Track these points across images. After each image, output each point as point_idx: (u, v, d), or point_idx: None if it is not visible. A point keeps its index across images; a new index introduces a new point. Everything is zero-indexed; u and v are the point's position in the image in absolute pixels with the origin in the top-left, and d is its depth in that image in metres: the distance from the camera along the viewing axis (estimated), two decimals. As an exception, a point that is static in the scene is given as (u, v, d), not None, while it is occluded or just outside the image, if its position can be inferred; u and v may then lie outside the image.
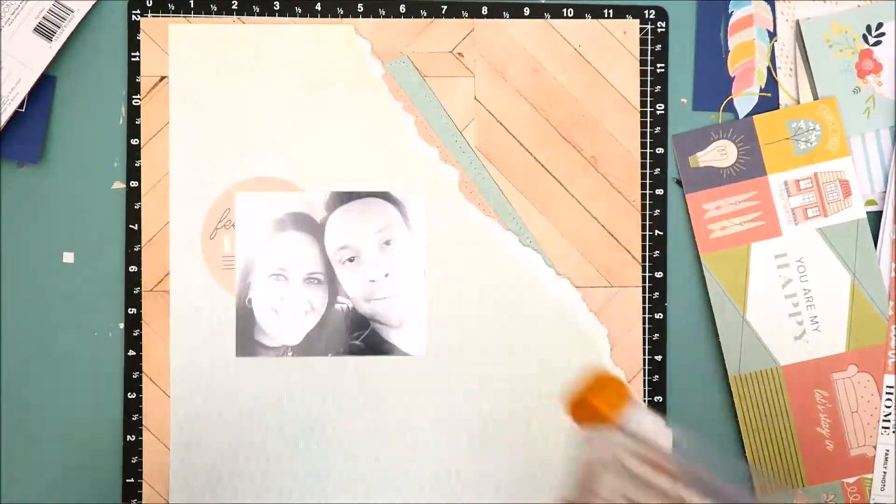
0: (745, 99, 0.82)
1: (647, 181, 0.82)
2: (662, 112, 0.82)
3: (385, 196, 0.80)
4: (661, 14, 0.82)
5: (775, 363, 0.81)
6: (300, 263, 0.80)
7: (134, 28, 0.80)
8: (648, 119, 0.82)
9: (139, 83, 0.80)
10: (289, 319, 0.80)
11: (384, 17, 0.81)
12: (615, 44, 0.82)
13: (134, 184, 0.80)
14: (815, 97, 0.82)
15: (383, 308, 0.80)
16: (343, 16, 0.81)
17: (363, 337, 0.80)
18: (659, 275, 0.82)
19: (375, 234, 0.80)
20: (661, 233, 0.82)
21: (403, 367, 0.80)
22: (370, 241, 0.80)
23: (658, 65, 0.82)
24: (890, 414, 0.81)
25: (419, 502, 0.80)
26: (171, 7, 0.80)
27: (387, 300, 0.80)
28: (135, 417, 0.80)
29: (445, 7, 0.81)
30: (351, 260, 0.80)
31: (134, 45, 0.80)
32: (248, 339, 0.80)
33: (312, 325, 0.80)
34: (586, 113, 0.82)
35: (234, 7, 0.80)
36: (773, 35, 0.82)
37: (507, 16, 0.81)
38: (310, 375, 0.80)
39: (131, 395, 0.80)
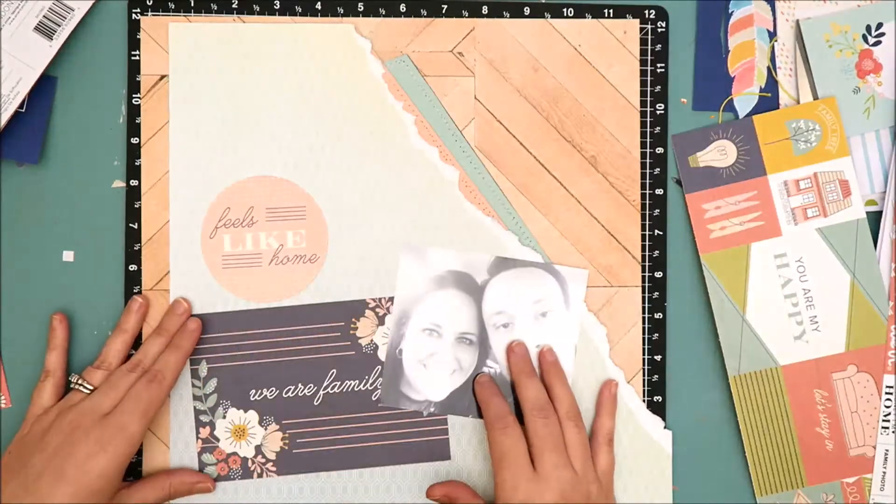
0: (745, 99, 0.82)
1: (647, 181, 0.82)
2: (662, 112, 0.82)
3: (548, 268, 0.80)
4: (661, 14, 0.82)
5: (775, 363, 0.81)
6: (455, 322, 0.80)
7: (134, 27, 0.80)
8: (648, 119, 0.82)
9: (139, 82, 0.80)
10: (436, 375, 0.80)
11: (384, 16, 0.81)
12: (615, 44, 0.82)
13: (134, 183, 0.80)
14: (815, 97, 0.82)
15: None
16: (343, 15, 0.81)
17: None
18: (659, 275, 0.82)
19: (533, 304, 0.80)
20: (661, 233, 0.82)
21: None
22: (527, 310, 0.80)
23: (658, 65, 0.82)
24: (889, 414, 0.81)
25: None
26: (172, 6, 0.80)
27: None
28: None
29: (445, 6, 0.81)
30: (505, 326, 0.80)
31: (134, 43, 0.80)
32: (393, 389, 0.80)
33: (458, 385, 0.80)
34: (586, 113, 0.82)
35: (234, 6, 0.80)
36: (773, 35, 0.82)
37: (508, 15, 0.81)
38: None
39: None
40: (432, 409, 0.80)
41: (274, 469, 0.80)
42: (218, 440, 0.80)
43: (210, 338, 0.80)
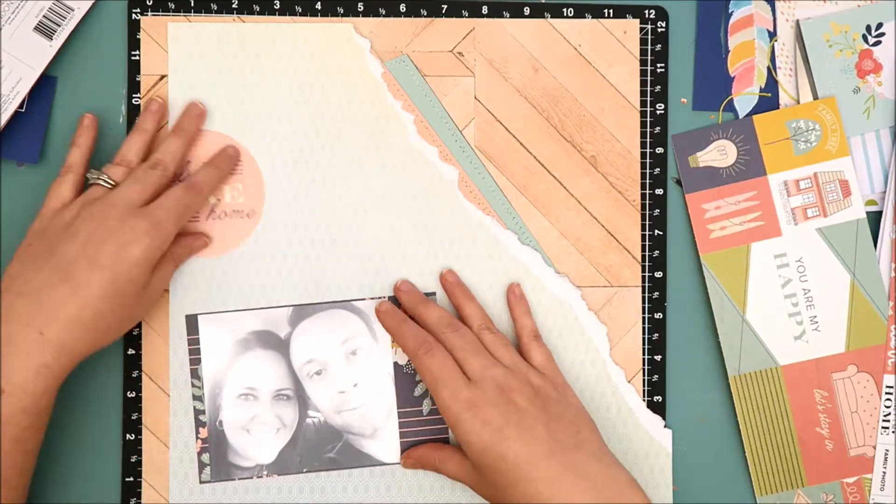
0: (745, 99, 0.82)
1: (647, 181, 0.82)
2: (662, 112, 0.82)
3: (347, 306, 0.80)
4: (661, 14, 0.82)
5: (775, 363, 0.81)
6: (268, 381, 0.80)
7: (134, 27, 0.80)
8: (648, 119, 0.82)
9: (139, 82, 0.80)
10: (261, 438, 0.80)
11: (384, 16, 0.81)
12: (615, 44, 0.82)
13: (134, 183, 0.80)
14: (815, 97, 0.82)
15: (354, 418, 0.80)
16: (343, 15, 0.81)
17: (337, 449, 0.80)
18: (659, 275, 0.82)
19: (341, 345, 0.80)
20: (661, 233, 0.82)
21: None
22: (336, 352, 0.80)
23: (658, 65, 0.82)
24: (889, 414, 0.81)
25: None
26: (172, 6, 0.80)
27: (357, 410, 0.80)
28: (134, 416, 0.80)
29: (445, 6, 0.81)
30: (318, 373, 0.80)
31: (134, 43, 0.80)
32: (222, 462, 0.79)
33: (285, 442, 0.80)
34: (586, 113, 0.82)
35: (234, 6, 0.80)
36: (773, 35, 0.82)
37: (507, 15, 0.81)
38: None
39: (131, 394, 0.80)
40: (265, 473, 0.79)
41: (275, 470, 0.80)
42: None
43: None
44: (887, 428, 0.81)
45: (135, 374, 0.80)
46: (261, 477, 0.79)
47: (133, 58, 0.80)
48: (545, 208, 0.81)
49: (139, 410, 0.80)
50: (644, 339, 0.81)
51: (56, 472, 0.80)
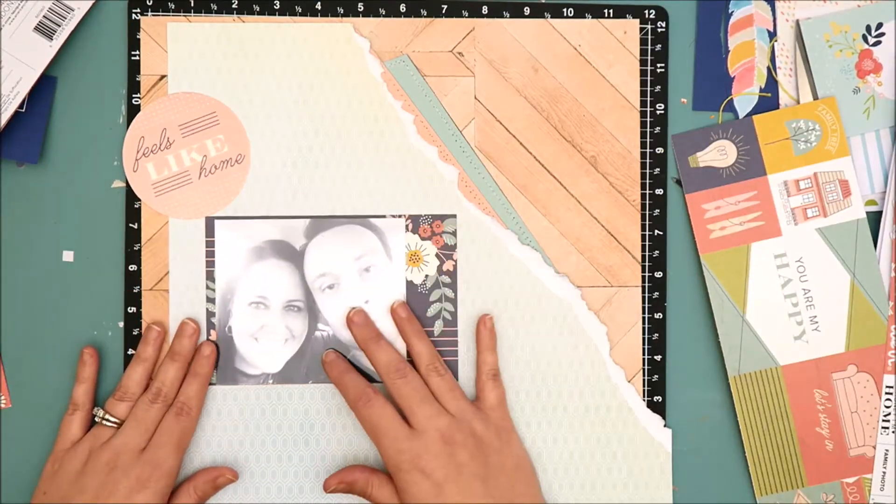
0: (745, 99, 0.82)
1: (647, 181, 0.82)
2: (662, 112, 0.82)
3: (364, 222, 0.80)
4: (661, 14, 0.82)
5: (775, 363, 0.81)
6: (280, 291, 0.80)
7: (134, 27, 0.80)
8: (648, 119, 0.82)
9: (139, 82, 0.80)
10: (269, 347, 0.80)
11: (384, 16, 0.81)
12: (615, 44, 0.82)
13: (134, 183, 0.80)
14: (815, 97, 0.82)
15: None
16: (343, 15, 0.81)
17: None
18: (659, 275, 0.82)
19: (355, 260, 0.80)
20: (661, 233, 0.82)
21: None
22: (349, 268, 0.80)
23: (658, 65, 0.82)
24: (889, 414, 0.81)
25: None
26: (172, 6, 0.80)
27: None
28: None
29: (445, 6, 0.81)
30: (331, 287, 0.80)
31: (134, 43, 0.80)
32: (228, 367, 0.80)
33: (293, 353, 0.80)
34: (586, 113, 0.82)
35: (234, 6, 0.80)
36: (773, 35, 0.82)
37: (507, 15, 0.81)
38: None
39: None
40: (270, 381, 0.80)
41: (281, 380, 0.80)
42: None
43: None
44: (887, 428, 0.81)
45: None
46: (266, 384, 0.80)
47: (133, 58, 0.80)
48: (545, 208, 0.81)
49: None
50: (644, 339, 0.81)
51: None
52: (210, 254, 0.80)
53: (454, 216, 0.81)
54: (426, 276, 0.81)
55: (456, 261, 0.81)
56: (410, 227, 0.80)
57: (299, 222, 0.80)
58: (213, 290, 0.80)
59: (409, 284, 0.80)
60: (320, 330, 0.80)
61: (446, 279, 0.81)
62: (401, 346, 0.80)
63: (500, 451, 0.76)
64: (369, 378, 0.79)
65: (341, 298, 0.80)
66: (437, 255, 0.81)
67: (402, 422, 0.75)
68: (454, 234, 0.81)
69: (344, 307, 0.80)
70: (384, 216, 0.80)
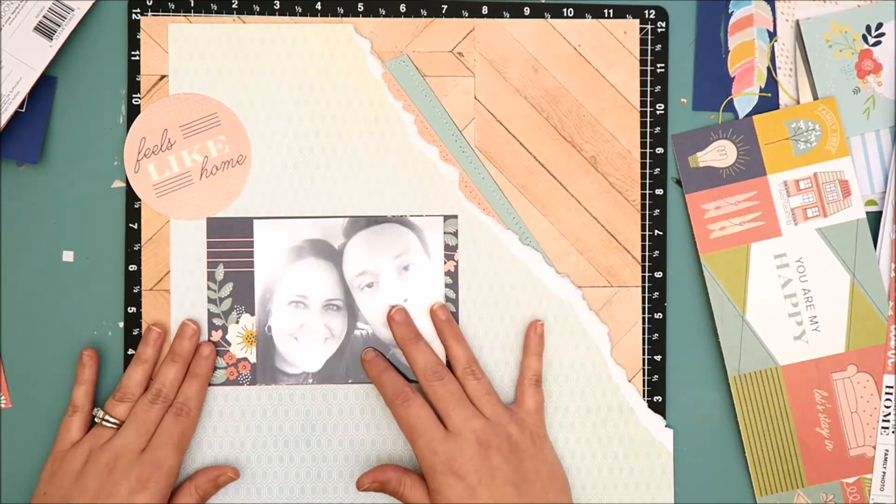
0: (745, 99, 0.82)
1: (647, 181, 0.82)
2: (662, 112, 0.82)
3: (402, 221, 0.80)
4: (661, 14, 0.82)
5: (775, 363, 0.81)
6: (319, 290, 0.80)
7: (134, 27, 0.80)
8: (648, 119, 0.82)
9: (139, 82, 0.80)
10: (309, 346, 0.80)
11: (384, 16, 0.81)
12: (615, 44, 0.82)
13: (134, 183, 0.80)
14: (815, 97, 0.82)
15: None
16: (343, 15, 0.81)
17: None
18: (659, 275, 0.82)
19: (393, 259, 0.80)
20: (661, 233, 0.82)
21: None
22: (388, 266, 0.80)
23: (658, 65, 0.82)
24: (889, 414, 0.81)
25: None
26: (172, 6, 0.80)
27: None
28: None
29: (445, 6, 0.81)
30: (370, 286, 0.81)
31: (134, 44, 0.80)
32: (268, 367, 0.80)
33: (332, 352, 0.80)
34: (586, 113, 0.82)
35: (234, 6, 0.80)
36: (773, 35, 0.82)
37: (507, 15, 0.81)
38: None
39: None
40: (310, 381, 0.80)
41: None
42: (229, 344, 0.80)
43: (227, 241, 0.80)
44: (887, 428, 0.81)
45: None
46: (306, 384, 0.80)
47: (133, 58, 0.80)
48: (545, 208, 0.81)
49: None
50: (644, 339, 0.81)
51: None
52: (211, 255, 0.80)
53: (455, 217, 0.81)
54: None
55: (457, 261, 0.81)
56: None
57: (338, 221, 0.80)
58: (215, 290, 0.80)
59: (447, 283, 0.81)
60: (360, 329, 0.80)
61: (448, 280, 0.81)
62: (438, 347, 0.80)
63: (535, 457, 0.76)
64: (406, 377, 0.79)
65: (380, 297, 0.80)
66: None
67: (439, 423, 0.75)
68: (455, 234, 0.81)
69: (383, 306, 0.80)
70: (421, 215, 0.80)
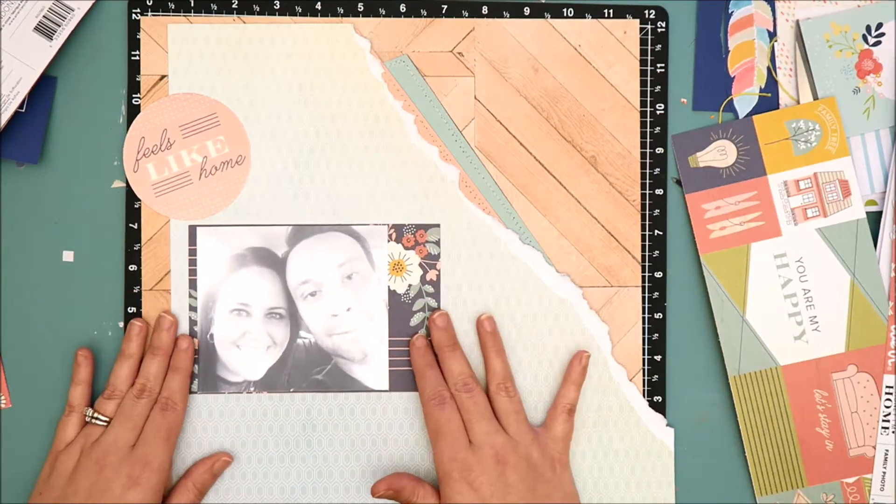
0: (744, 99, 0.82)
1: (647, 181, 0.82)
2: (662, 112, 0.82)
3: (346, 230, 0.80)
4: (661, 14, 0.82)
5: (775, 363, 0.81)
6: (262, 298, 0.80)
7: (134, 27, 0.80)
8: (648, 119, 0.82)
9: (139, 82, 0.80)
10: (251, 354, 0.80)
11: (384, 16, 0.81)
12: (615, 44, 0.82)
13: (134, 183, 0.80)
14: (815, 97, 0.82)
15: (345, 342, 0.80)
16: (343, 15, 0.81)
17: (325, 371, 0.80)
18: (659, 275, 0.82)
19: (337, 268, 0.80)
20: (661, 233, 0.82)
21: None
22: (332, 275, 0.80)
23: (658, 65, 0.82)
24: (889, 414, 0.81)
25: None
26: (172, 6, 0.80)
27: (349, 334, 0.80)
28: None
29: (445, 6, 0.81)
30: (313, 294, 0.80)
31: (134, 44, 0.80)
32: (210, 374, 0.80)
33: (274, 361, 0.80)
34: (586, 113, 0.82)
35: (234, 6, 0.80)
36: (773, 35, 0.82)
37: (507, 15, 0.81)
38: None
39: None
40: (252, 389, 0.80)
41: (262, 387, 0.80)
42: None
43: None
44: (887, 428, 0.81)
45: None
46: (248, 392, 0.80)
47: (133, 58, 0.80)
48: (545, 208, 0.81)
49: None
50: (644, 339, 0.81)
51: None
52: (193, 262, 0.80)
53: (438, 225, 0.80)
54: (409, 285, 0.80)
55: (440, 270, 0.81)
56: (394, 236, 0.80)
57: (281, 229, 0.80)
58: (196, 297, 0.80)
59: (392, 294, 0.80)
60: (302, 337, 0.80)
61: (430, 289, 0.80)
62: (473, 359, 0.81)
63: (551, 482, 0.76)
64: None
65: (323, 305, 0.80)
66: (420, 265, 0.81)
67: (465, 433, 0.76)
68: (438, 243, 0.80)
69: (326, 314, 0.80)
70: (366, 224, 0.80)
